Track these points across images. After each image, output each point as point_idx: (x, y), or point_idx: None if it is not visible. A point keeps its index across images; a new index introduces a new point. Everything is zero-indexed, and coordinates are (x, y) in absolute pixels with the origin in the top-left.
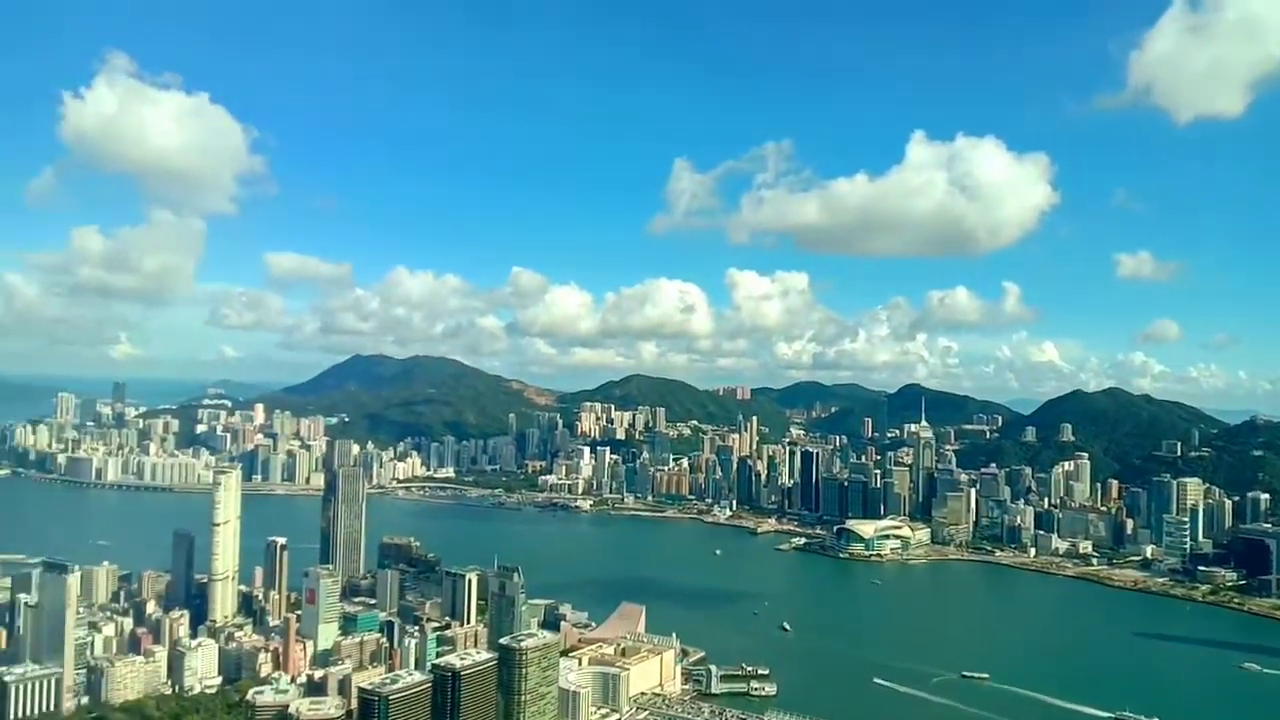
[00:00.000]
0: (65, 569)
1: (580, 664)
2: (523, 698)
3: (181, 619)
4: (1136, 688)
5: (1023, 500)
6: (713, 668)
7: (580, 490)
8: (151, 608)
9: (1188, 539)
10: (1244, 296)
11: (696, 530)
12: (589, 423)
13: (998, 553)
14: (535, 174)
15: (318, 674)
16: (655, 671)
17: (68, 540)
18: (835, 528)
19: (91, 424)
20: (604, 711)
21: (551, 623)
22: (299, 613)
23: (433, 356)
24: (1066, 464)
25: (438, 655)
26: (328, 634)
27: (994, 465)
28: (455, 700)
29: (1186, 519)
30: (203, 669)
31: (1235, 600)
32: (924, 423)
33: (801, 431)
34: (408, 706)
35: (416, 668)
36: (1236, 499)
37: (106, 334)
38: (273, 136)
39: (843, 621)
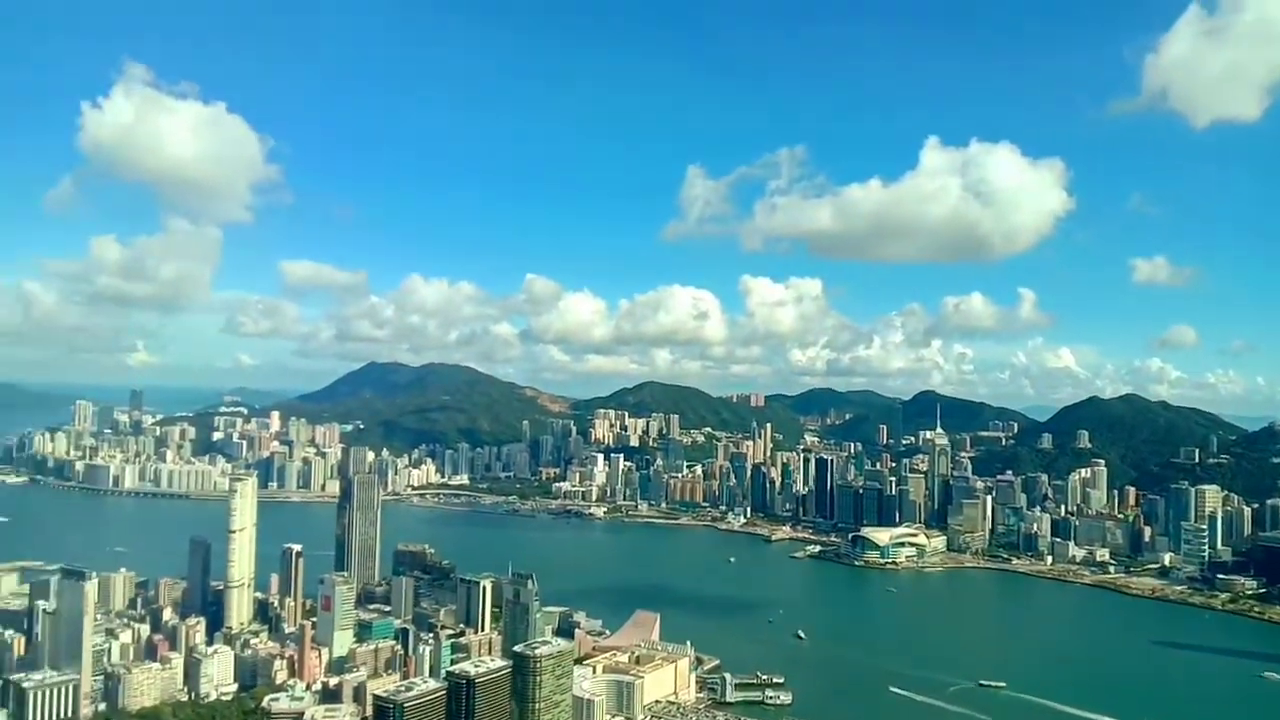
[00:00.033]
0: (83, 576)
1: (594, 672)
2: (537, 705)
3: (198, 626)
4: (1155, 697)
5: (1039, 508)
6: (727, 676)
7: (594, 497)
8: (168, 614)
9: (1206, 547)
10: (1262, 301)
11: (710, 538)
12: (603, 430)
13: (1014, 560)
14: (549, 181)
15: (333, 681)
16: (669, 680)
17: (85, 547)
18: (850, 535)
19: (109, 431)
20: None
21: (566, 630)
22: (314, 620)
23: (447, 364)
24: (1083, 471)
25: (452, 662)
26: (343, 641)
27: (1010, 472)
28: (470, 708)
29: (1205, 526)
30: (219, 676)
31: (1255, 609)
32: (939, 429)
33: (816, 438)
34: (422, 714)
35: (431, 675)
36: (1256, 506)
37: (124, 342)
38: (288, 145)
39: (858, 629)
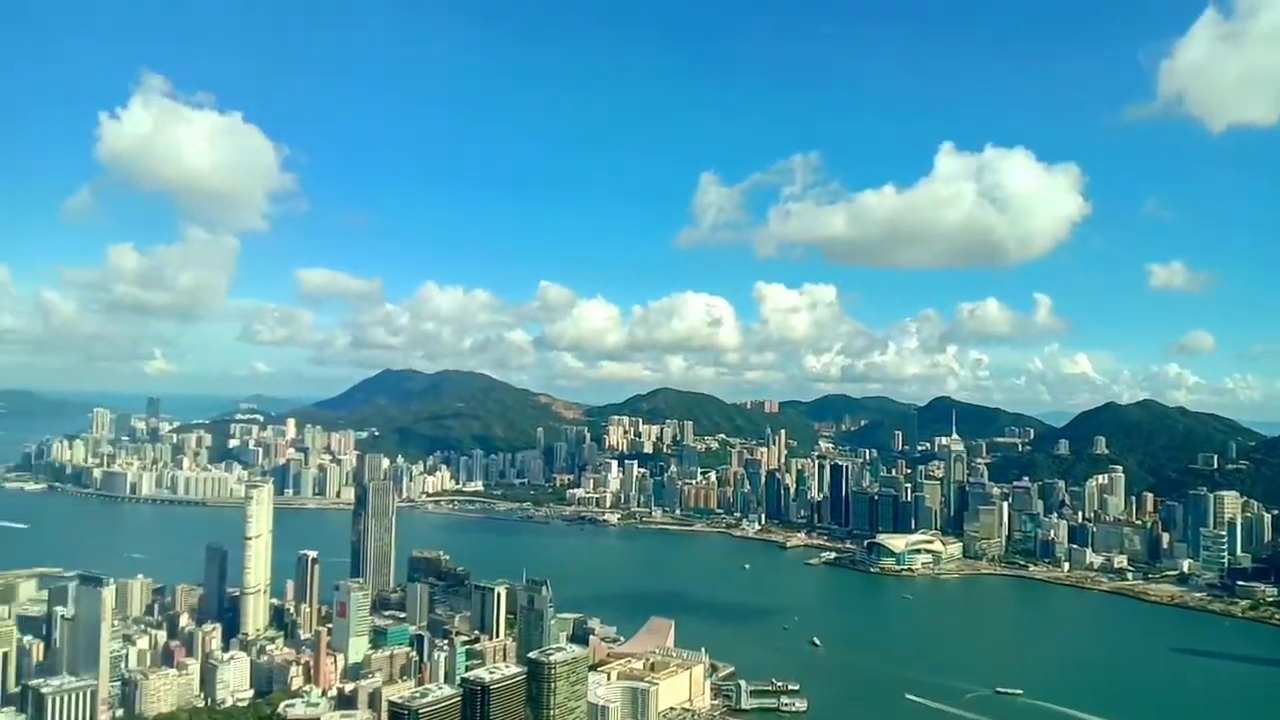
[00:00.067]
0: (100, 582)
1: (609, 678)
2: (552, 712)
3: (214, 632)
4: (1174, 704)
5: (1056, 514)
6: (742, 683)
7: (608, 504)
8: (185, 621)
9: (1226, 553)
10: None
11: (725, 544)
12: (616, 436)
13: (1031, 567)
14: (563, 188)
15: (348, 687)
16: (684, 686)
17: (103, 554)
18: (865, 542)
19: (126, 439)
20: None
21: (580, 637)
22: (330, 626)
23: (461, 371)
24: (1100, 477)
25: (467, 669)
26: (358, 647)
27: (1026, 478)
28: (484, 714)
29: (1224, 533)
30: (235, 682)
31: (1276, 616)
32: (955, 436)
33: (830, 445)
34: None
35: (446, 681)
36: (1276, 512)
37: (141, 350)
38: (304, 154)
39: (874, 636)
